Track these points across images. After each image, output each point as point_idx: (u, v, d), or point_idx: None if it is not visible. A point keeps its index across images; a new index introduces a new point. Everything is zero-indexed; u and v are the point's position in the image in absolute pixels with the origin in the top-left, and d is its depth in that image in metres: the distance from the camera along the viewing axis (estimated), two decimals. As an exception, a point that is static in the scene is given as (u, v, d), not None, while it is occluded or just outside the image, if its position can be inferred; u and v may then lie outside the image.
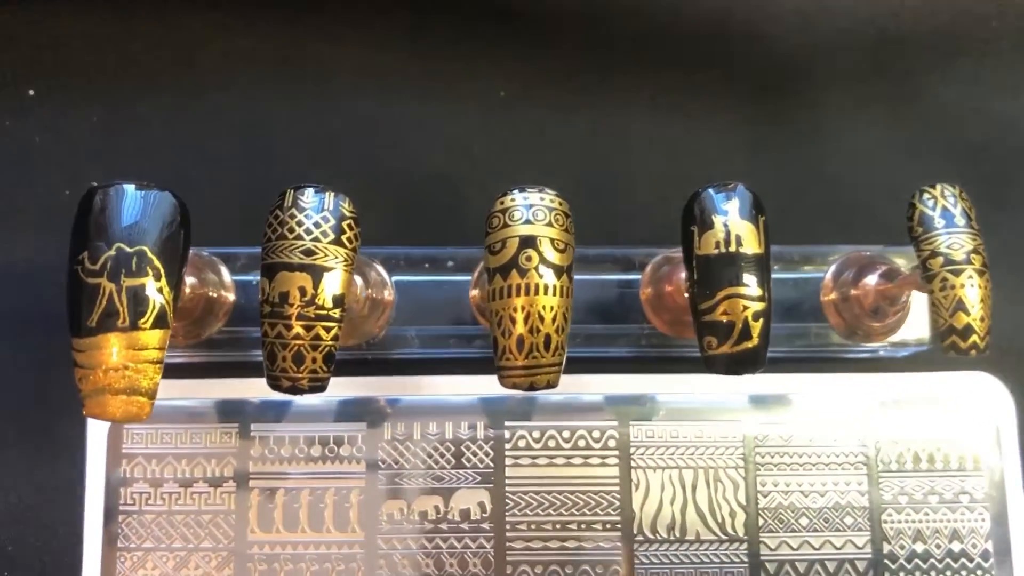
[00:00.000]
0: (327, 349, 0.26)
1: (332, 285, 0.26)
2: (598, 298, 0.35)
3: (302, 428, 0.34)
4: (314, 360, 0.26)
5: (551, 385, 0.27)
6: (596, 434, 0.34)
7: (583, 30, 0.36)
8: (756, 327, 0.27)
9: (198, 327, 0.32)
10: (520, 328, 0.26)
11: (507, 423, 0.34)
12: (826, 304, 0.33)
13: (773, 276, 0.34)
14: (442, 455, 0.34)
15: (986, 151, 0.37)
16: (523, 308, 0.26)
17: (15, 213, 0.35)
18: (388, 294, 0.33)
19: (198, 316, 0.32)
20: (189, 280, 0.31)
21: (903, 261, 0.34)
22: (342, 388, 0.34)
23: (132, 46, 0.36)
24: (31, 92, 0.35)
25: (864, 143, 0.37)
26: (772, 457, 0.34)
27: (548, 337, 0.27)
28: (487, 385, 0.35)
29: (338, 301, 0.26)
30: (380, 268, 0.33)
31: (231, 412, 0.34)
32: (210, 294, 0.32)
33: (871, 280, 0.32)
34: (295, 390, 0.26)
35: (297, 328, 0.26)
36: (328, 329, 0.26)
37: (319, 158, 0.36)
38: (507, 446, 0.34)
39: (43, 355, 0.34)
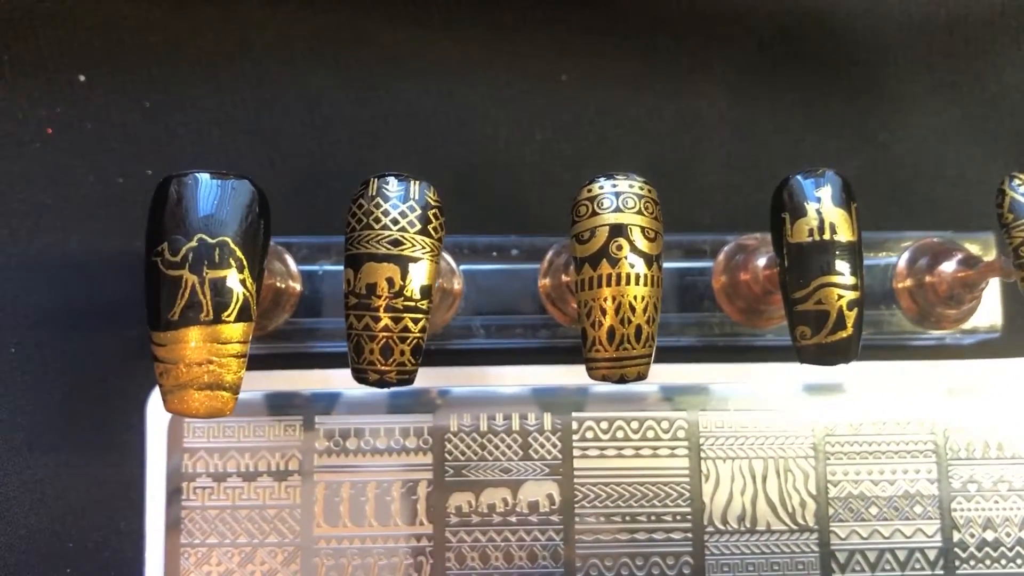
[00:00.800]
0: (415, 341, 0.26)
1: (419, 276, 0.26)
2: (666, 286, 0.34)
3: (367, 420, 0.33)
4: (402, 352, 0.26)
5: (641, 377, 0.26)
6: (665, 425, 0.34)
7: (646, 13, 0.36)
8: (851, 316, 0.26)
9: (265, 319, 0.31)
10: (610, 319, 0.26)
11: (574, 414, 0.34)
12: (900, 291, 0.33)
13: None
14: (509, 447, 0.33)
15: (1052, 135, 0.36)
16: (614, 298, 0.26)
17: (68, 201, 0.34)
18: (457, 284, 0.32)
19: (266, 307, 0.31)
20: (257, 270, 0.30)
21: (974, 248, 0.34)
22: (407, 379, 0.33)
23: (185, 29, 0.35)
24: (82, 78, 0.34)
25: (932, 128, 0.36)
26: (842, 446, 0.34)
27: (639, 328, 0.26)
28: (554, 375, 0.34)
29: (426, 292, 0.26)
30: (449, 257, 0.32)
31: (294, 404, 0.33)
32: (278, 285, 0.31)
33: (948, 267, 0.32)
34: (382, 383, 0.26)
35: (385, 320, 0.25)
36: (416, 321, 0.26)
37: (378, 144, 0.35)
38: (575, 437, 0.33)
39: (100, 348, 0.33)
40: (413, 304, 0.25)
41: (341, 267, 0.28)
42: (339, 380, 0.33)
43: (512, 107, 0.36)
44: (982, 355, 0.35)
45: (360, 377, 0.26)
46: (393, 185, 0.26)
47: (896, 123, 0.36)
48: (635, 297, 0.26)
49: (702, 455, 0.34)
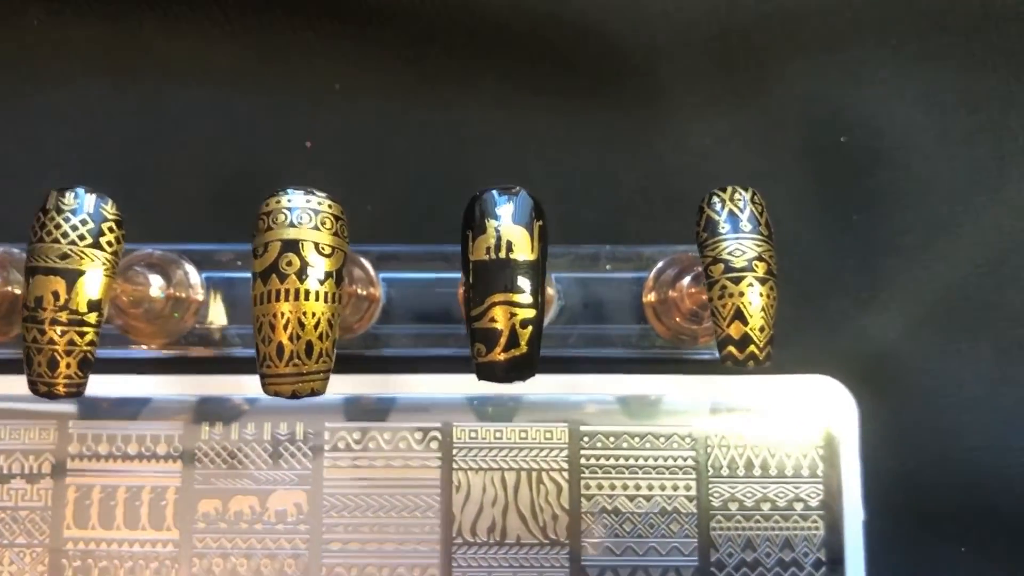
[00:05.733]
0: (82, 355, 0.26)
1: (87, 289, 0.26)
2: (420, 298, 0.34)
3: (120, 425, 0.34)
4: (68, 366, 0.26)
5: (316, 392, 0.26)
6: (418, 435, 0.34)
7: (419, 22, 0.35)
8: (524, 334, 0.26)
9: (6, 324, 0.32)
10: (280, 335, 0.26)
11: (327, 424, 0.34)
12: (646, 306, 0.33)
13: (609, 275, 0.33)
14: (259, 455, 0.34)
15: (837, 147, 0.35)
16: (283, 314, 0.26)
17: None
18: (194, 294, 0.32)
19: (3, 313, 0.31)
20: (-11, 278, 0.30)
21: (735, 262, 0.33)
22: (161, 386, 0.34)
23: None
24: None
25: (713, 138, 0.36)
26: (598, 460, 0.34)
27: (310, 344, 0.26)
28: (310, 384, 0.34)
29: (94, 306, 0.26)
30: (190, 267, 0.32)
31: (49, 408, 0.34)
32: (15, 291, 0.31)
33: (685, 282, 0.31)
34: (51, 395, 0.26)
35: (51, 333, 0.26)
36: (83, 334, 0.26)
37: (150, 153, 0.35)
38: (326, 447, 0.34)
39: None
40: (79, 317, 0.26)
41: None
42: (94, 385, 0.34)
43: (284, 115, 0.36)
44: (754, 371, 0.34)
45: (33, 388, 0.26)
46: (69, 198, 0.26)
47: (674, 134, 0.36)
48: (306, 313, 0.26)
49: (454, 466, 0.34)
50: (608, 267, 0.34)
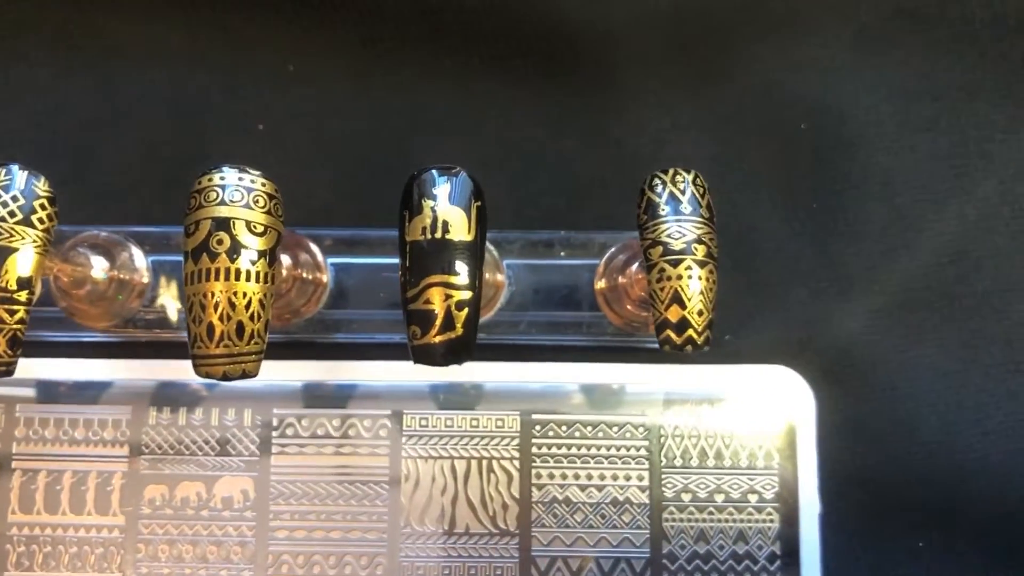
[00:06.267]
0: (11, 333, 0.26)
1: (17, 267, 0.25)
2: (372, 283, 0.33)
3: (67, 410, 0.33)
4: (-3, 344, 0.25)
5: (248, 374, 0.26)
6: (367, 423, 0.33)
7: (374, 4, 0.35)
8: (460, 316, 0.26)
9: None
10: (210, 315, 0.25)
11: (275, 410, 0.33)
12: (597, 293, 0.32)
13: (563, 262, 0.32)
14: (207, 441, 0.33)
15: (798, 134, 0.35)
16: (213, 295, 0.25)
17: None
18: (138, 275, 0.32)
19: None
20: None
21: (690, 249, 0.33)
22: (109, 371, 0.34)
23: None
24: None
25: (672, 123, 0.35)
26: (549, 448, 0.33)
27: (241, 325, 0.26)
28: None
29: (24, 283, 0.26)
30: (137, 248, 0.32)
31: (-4, 392, 0.33)
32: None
33: (634, 268, 0.31)
34: (-22, 374, 0.26)
35: (-22, 311, 0.25)
36: (12, 312, 0.25)
37: (102, 136, 0.35)
38: (274, 433, 0.33)
39: None
40: (8, 295, 0.25)
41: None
42: (41, 369, 0.33)
43: (237, 97, 0.35)
44: (712, 360, 0.34)
45: (-39, 367, 0.26)
46: (0, 175, 0.26)
47: (630, 118, 0.35)
48: (237, 293, 0.25)
49: (403, 454, 0.33)
50: (563, 254, 0.34)
